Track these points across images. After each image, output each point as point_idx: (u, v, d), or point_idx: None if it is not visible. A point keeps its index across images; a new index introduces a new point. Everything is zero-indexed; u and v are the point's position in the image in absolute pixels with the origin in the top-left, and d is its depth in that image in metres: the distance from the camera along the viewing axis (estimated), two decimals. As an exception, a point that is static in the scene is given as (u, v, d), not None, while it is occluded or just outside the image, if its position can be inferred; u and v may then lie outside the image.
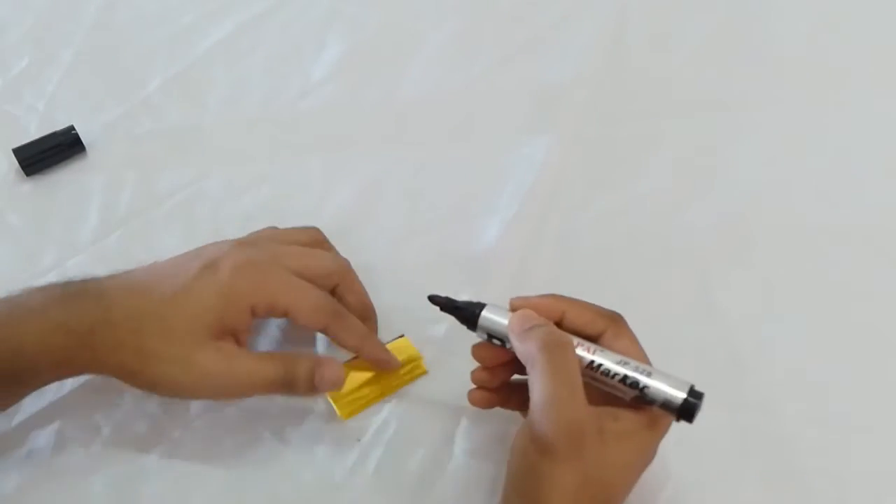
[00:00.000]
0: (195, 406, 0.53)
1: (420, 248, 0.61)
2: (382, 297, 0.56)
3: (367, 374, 0.53)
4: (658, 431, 0.45)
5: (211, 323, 0.48)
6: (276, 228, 0.58)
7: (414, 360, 0.54)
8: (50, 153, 0.67)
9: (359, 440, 0.52)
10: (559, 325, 0.46)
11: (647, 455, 0.45)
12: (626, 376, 0.44)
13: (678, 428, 0.51)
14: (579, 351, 0.45)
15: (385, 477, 0.46)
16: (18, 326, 0.47)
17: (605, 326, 0.46)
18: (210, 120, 0.70)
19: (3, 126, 0.70)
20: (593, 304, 0.47)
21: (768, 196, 0.62)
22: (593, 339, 0.46)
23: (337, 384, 0.50)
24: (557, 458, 0.42)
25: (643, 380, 0.44)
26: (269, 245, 0.53)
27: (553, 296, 0.48)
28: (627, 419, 0.44)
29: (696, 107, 0.67)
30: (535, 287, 0.57)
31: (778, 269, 0.58)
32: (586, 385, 0.43)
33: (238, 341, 0.50)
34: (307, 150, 0.67)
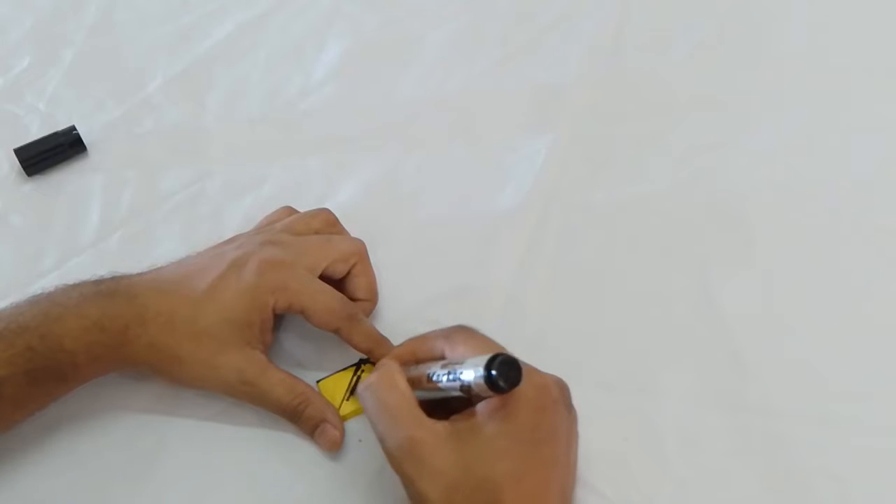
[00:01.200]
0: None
1: (420, 249, 0.61)
2: (381, 298, 0.57)
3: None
4: (516, 412, 0.42)
5: (236, 320, 0.51)
6: (290, 210, 0.60)
7: None
8: (51, 153, 0.67)
9: (360, 440, 0.52)
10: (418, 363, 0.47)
11: (523, 440, 0.43)
12: (444, 376, 0.44)
13: (678, 428, 0.51)
14: (413, 373, 0.46)
15: (386, 477, 0.46)
16: (57, 323, 0.49)
17: (443, 345, 0.47)
18: (210, 120, 0.70)
19: (5, 126, 0.70)
20: (434, 331, 0.48)
21: (768, 196, 0.62)
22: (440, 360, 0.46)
23: (332, 449, 0.51)
24: (412, 478, 0.42)
25: (457, 372, 0.43)
26: (290, 242, 0.54)
27: (408, 340, 0.49)
28: (478, 412, 0.43)
29: (696, 107, 0.67)
30: (535, 286, 0.58)
31: (778, 268, 0.58)
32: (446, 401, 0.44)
33: (264, 341, 0.52)
34: (308, 149, 0.68)
